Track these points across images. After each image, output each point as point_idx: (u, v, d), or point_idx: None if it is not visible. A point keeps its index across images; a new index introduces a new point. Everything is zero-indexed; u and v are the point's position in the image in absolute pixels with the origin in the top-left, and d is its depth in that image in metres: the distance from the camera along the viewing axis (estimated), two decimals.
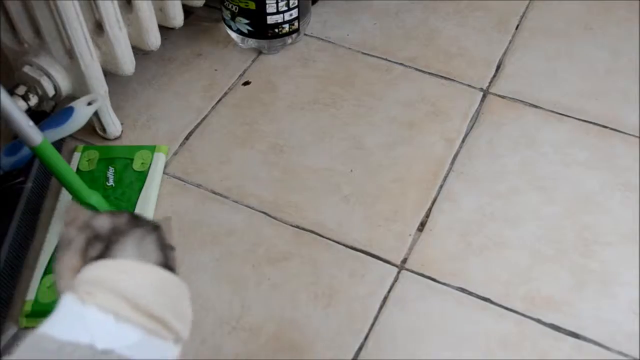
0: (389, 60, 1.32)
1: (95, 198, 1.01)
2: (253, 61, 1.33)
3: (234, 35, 1.33)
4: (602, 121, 1.22)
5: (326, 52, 1.35)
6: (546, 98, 1.26)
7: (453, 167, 1.15)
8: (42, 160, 0.95)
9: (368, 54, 1.34)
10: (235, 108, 1.25)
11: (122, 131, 1.20)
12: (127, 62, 1.13)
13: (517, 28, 1.39)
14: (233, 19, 1.29)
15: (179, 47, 1.35)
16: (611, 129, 1.21)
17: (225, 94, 1.27)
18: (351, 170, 1.15)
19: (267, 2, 1.23)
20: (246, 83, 1.29)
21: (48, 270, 0.98)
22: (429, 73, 1.30)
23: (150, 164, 1.12)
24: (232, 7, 1.27)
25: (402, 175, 1.14)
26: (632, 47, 1.35)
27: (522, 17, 1.41)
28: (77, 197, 1.00)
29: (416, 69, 1.31)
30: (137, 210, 1.06)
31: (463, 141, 1.19)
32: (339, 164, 1.16)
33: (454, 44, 1.35)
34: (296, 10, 1.28)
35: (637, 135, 1.19)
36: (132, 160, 1.13)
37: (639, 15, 1.41)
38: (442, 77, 1.29)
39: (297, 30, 1.32)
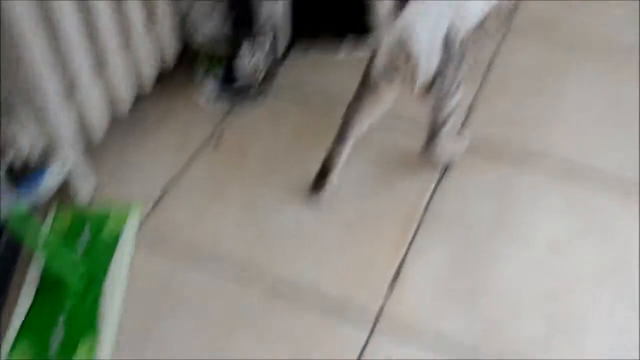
0: None
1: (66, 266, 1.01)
2: (224, 120, 1.34)
3: (204, 95, 1.35)
4: (573, 168, 1.25)
5: (296, 109, 1.37)
6: (514, 144, 1.28)
7: (425, 218, 1.16)
8: (12, 230, 0.95)
9: (337, 110, 1.36)
10: (207, 167, 1.26)
11: (95, 192, 1.20)
12: (99, 125, 1.14)
13: (484, 75, 1.42)
14: (204, 80, 1.31)
15: (152, 107, 1.36)
16: (582, 175, 1.23)
17: (198, 151, 1.29)
18: (320, 227, 1.16)
19: (236, 63, 1.26)
20: (217, 142, 1.30)
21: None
22: (398, 118, 1.32)
23: (123, 227, 1.12)
24: (202, 68, 1.29)
25: (374, 227, 1.15)
26: (603, 94, 1.39)
27: (489, 64, 1.44)
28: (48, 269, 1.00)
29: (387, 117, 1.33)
30: (109, 277, 1.05)
31: (434, 191, 1.20)
32: (310, 221, 1.17)
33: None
34: (265, 68, 1.30)
35: (607, 181, 1.22)
36: (104, 223, 1.13)
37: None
38: (410, 123, 1.31)
39: (267, 88, 1.34)
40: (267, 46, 1.28)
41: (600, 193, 1.20)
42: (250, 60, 1.27)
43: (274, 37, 1.31)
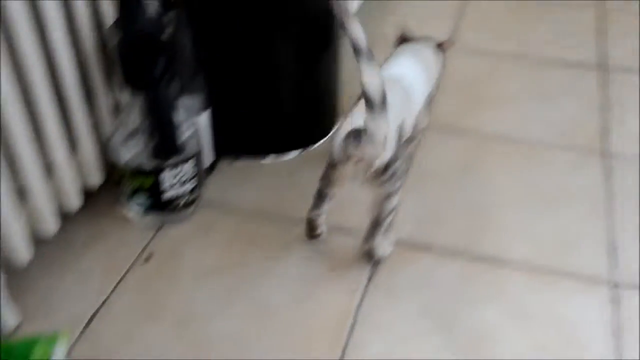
0: (287, 220, 1.38)
1: None
2: (154, 236, 1.35)
3: (132, 212, 1.36)
4: (491, 255, 1.30)
5: (226, 218, 1.39)
6: (437, 239, 1.33)
7: (357, 317, 1.18)
8: None
9: (266, 216, 1.39)
10: (138, 285, 1.25)
11: (20, 322, 1.17)
12: (23, 250, 1.13)
13: (406, 174, 1.48)
14: (131, 197, 1.32)
15: (79, 229, 1.36)
16: (500, 262, 1.28)
17: (128, 271, 1.28)
18: (259, 333, 1.15)
19: (162, 177, 1.28)
20: (148, 258, 1.30)
21: None
22: (329, 227, 1.35)
23: (50, 357, 1.09)
24: (129, 187, 1.30)
25: (309, 331, 1.15)
26: (510, 184, 1.47)
27: (409, 163, 1.51)
28: None
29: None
30: None
31: (364, 292, 1.23)
32: (248, 328, 1.16)
33: (343, 197, 1.42)
34: (192, 182, 1.33)
35: (526, 265, 1.27)
36: (29, 354, 1.09)
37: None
38: (337, 228, 1.35)
39: (195, 201, 1.36)
40: (192, 161, 1.31)
41: (528, 281, 1.25)
42: (177, 175, 1.29)
43: (199, 152, 1.34)
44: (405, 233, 1.34)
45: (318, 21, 1.44)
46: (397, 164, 1.15)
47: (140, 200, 1.31)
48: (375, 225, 1.23)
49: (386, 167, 1.13)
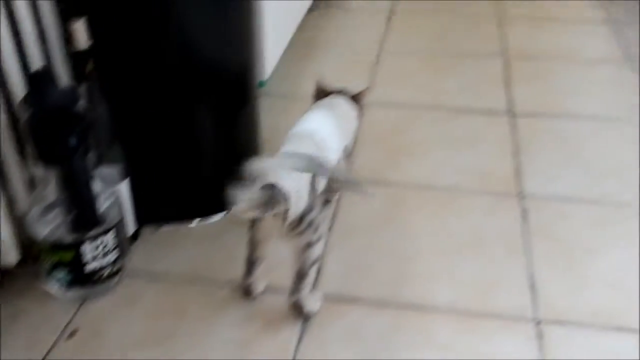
0: (216, 284, 1.37)
1: None
2: (77, 310, 1.31)
3: (54, 288, 1.32)
4: (417, 303, 1.32)
5: (152, 287, 1.37)
6: (364, 291, 1.35)
7: None
8: None
9: (194, 282, 1.38)
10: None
11: None
12: None
13: (329, 231, 1.51)
14: (51, 273, 1.29)
15: None
16: (427, 308, 1.31)
17: (52, 348, 1.23)
18: None
19: (83, 250, 1.26)
20: (72, 334, 1.26)
21: None
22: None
23: None
24: (48, 262, 1.27)
25: None
26: (431, 231, 1.51)
27: (332, 220, 1.54)
28: None
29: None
30: None
31: (296, 349, 1.22)
32: None
33: (274, 255, 1.43)
34: (115, 252, 1.31)
35: (452, 310, 1.30)
36: None
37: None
38: (268, 290, 1.35)
39: (119, 271, 1.34)
40: (113, 232, 1.29)
41: (455, 325, 1.27)
42: (98, 247, 1.27)
43: (120, 221, 1.32)
44: (333, 287, 1.35)
45: (233, 82, 1.47)
46: (312, 214, 1.19)
47: (61, 274, 1.28)
48: (300, 277, 1.25)
49: (301, 218, 1.17)
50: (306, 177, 1.18)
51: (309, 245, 1.21)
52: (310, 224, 1.19)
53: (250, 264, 1.30)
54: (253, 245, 1.27)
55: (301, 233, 1.19)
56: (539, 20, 2.68)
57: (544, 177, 1.69)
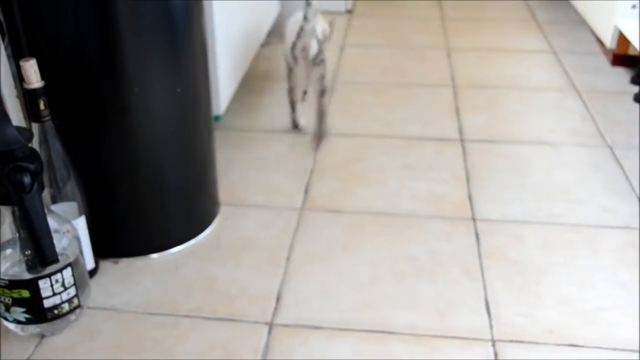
0: (175, 315, 1.37)
1: None
2: (36, 347, 1.29)
3: (11, 326, 1.30)
4: (378, 327, 1.34)
5: (112, 321, 1.36)
6: (325, 317, 1.36)
7: None
8: None
9: (153, 314, 1.38)
10: None
11: None
12: None
13: (287, 260, 1.52)
14: (8, 310, 1.27)
15: None
16: (387, 332, 1.33)
17: None
18: None
19: (41, 287, 1.24)
20: None
21: None
22: (215, 319, 1.36)
23: None
24: (5, 299, 1.26)
25: None
26: (389, 256, 1.54)
27: (290, 249, 1.56)
28: None
29: (202, 318, 1.36)
30: None
31: None
32: None
33: (233, 286, 1.44)
34: (73, 287, 1.30)
35: (412, 333, 1.33)
36: None
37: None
38: (228, 320, 1.35)
39: (78, 306, 1.33)
40: (71, 267, 1.29)
41: (415, 349, 1.30)
42: (56, 282, 1.26)
43: (78, 257, 1.32)
44: (293, 315, 1.37)
45: (190, 117, 1.49)
46: (322, 55, 1.83)
47: (20, 311, 1.27)
48: (320, 114, 1.92)
49: (317, 55, 1.83)
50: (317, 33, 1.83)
51: (322, 77, 1.84)
52: (322, 61, 1.83)
53: (293, 104, 2.01)
54: (291, 90, 1.98)
55: (317, 64, 1.83)
56: (485, 51, 2.78)
57: (495, 201, 1.75)
